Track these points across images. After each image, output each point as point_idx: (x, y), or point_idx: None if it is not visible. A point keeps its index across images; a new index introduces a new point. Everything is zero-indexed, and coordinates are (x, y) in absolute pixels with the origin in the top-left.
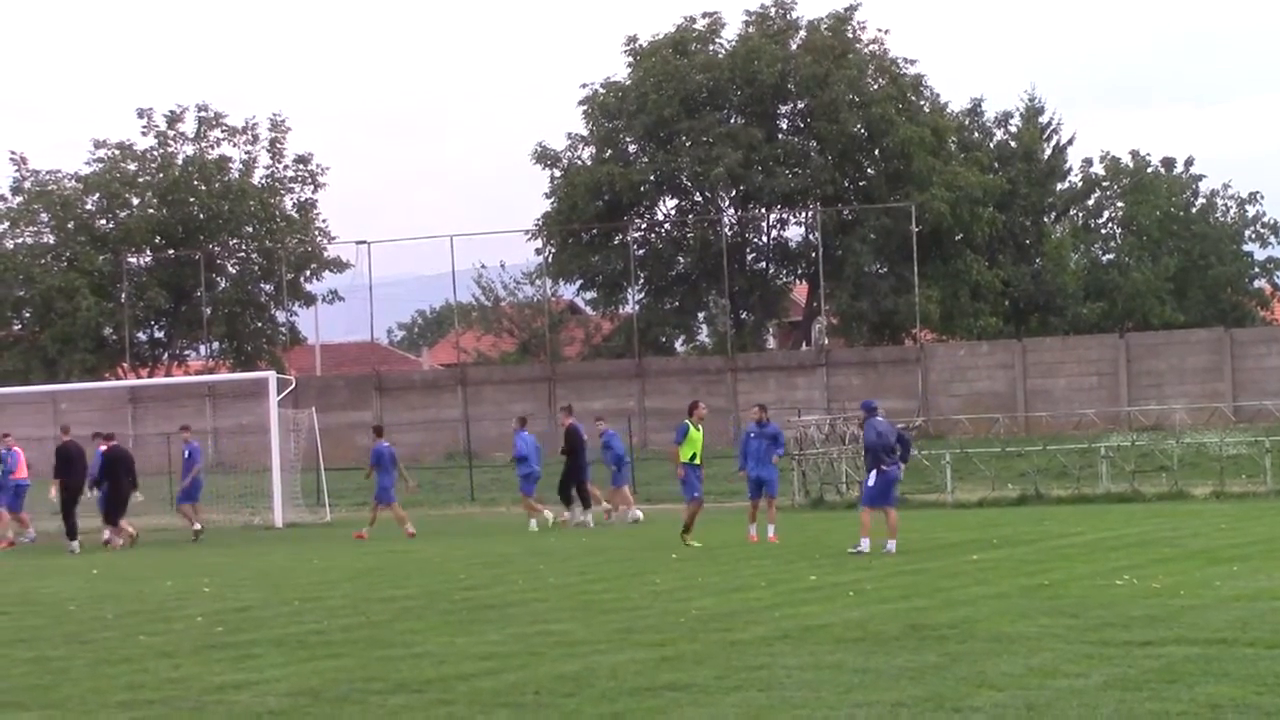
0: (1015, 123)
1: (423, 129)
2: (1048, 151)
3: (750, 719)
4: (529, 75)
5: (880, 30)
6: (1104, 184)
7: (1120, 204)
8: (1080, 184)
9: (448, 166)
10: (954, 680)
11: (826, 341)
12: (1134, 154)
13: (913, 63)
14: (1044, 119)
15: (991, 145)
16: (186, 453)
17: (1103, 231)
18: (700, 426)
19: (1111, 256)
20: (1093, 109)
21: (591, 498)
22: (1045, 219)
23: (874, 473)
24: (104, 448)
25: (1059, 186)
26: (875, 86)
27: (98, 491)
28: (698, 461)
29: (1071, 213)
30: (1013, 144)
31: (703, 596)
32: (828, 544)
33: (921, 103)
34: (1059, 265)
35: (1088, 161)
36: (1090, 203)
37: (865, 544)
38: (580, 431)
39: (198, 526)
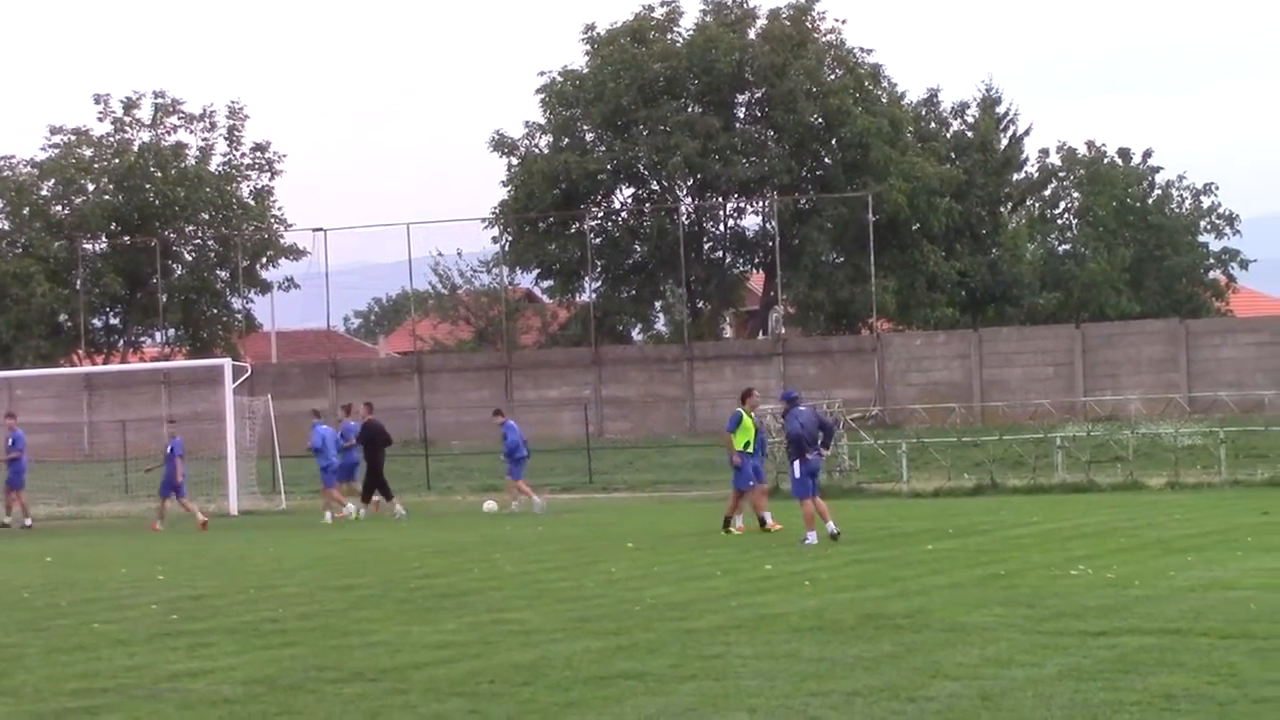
0: (972, 113)
1: (381, 117)
2: (1004, 142)
3: (705, 708)
4: (487, 63)
5: (838, 20)
6: (1060, 174)
7: (1076, 195)
8: (1037, 174)
9: (405, 154)
10: (909, 670)
11: (783, 331)
12: (1090, 145)
13: (870, 53)
14: (1001, 109)
15: (948, 135)
16: (169, 448)
17: (1059, 222)
18: (753, 414)
19: (1068, 247)
20: (1050, 99)
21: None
22: (1002, 209)
23: (797, 463)
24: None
25: (1015, 177)
26: (833, 76)
27: None
28: (750, 450)
29: (1028, 203)
30: (969, 134)
31: (658, 585)
32: (784, 533)
33: (879, 93)
34: (1015, 256)
35: (1044, 152)
36: (1047, 193)
37: (813, 536)
38: (381, 427)
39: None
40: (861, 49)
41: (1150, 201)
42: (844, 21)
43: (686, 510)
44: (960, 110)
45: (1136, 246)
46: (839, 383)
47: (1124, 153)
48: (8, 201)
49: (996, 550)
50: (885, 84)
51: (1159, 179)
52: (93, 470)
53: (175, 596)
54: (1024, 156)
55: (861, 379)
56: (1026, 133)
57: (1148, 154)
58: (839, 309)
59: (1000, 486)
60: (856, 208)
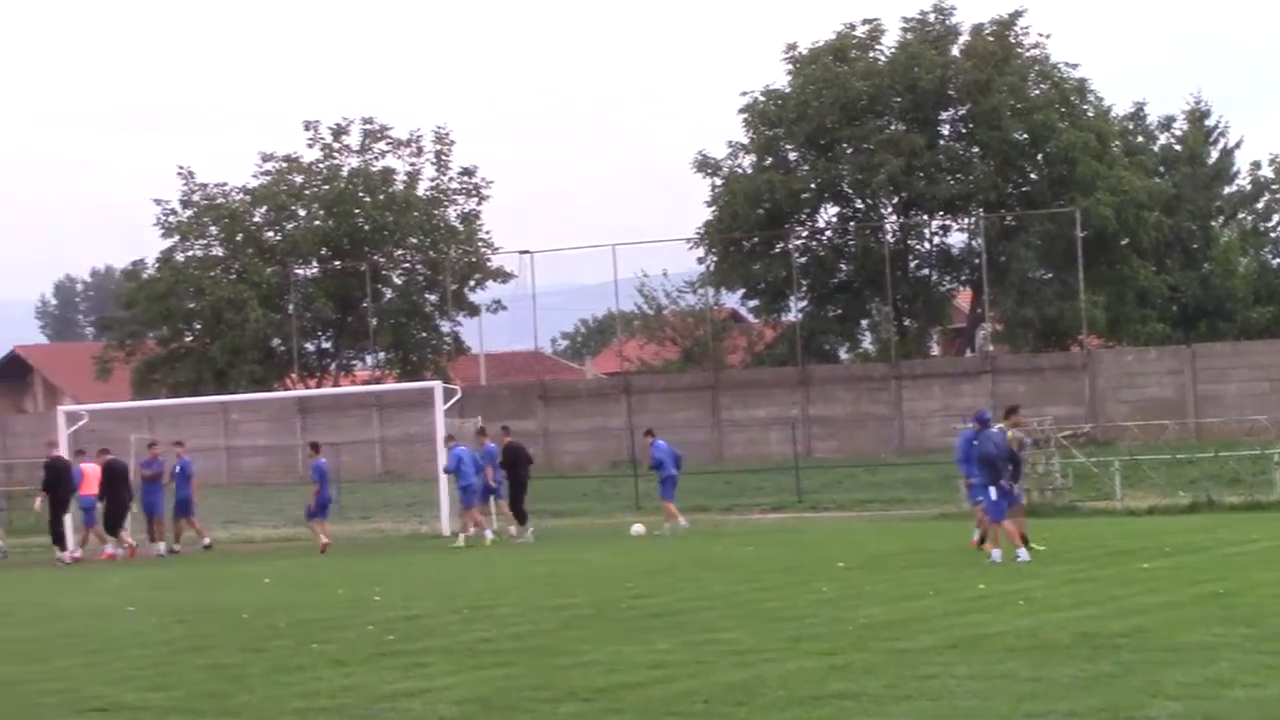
0: (1180, 126)
1: (584, 139)
2: (1214, 155)
3: None
4: (689, 84)
5: (1042, 35)
6: (1274, 187)
7: None
8: (1249, 187)
9: (609, 176)
10: (1128, 690)
11: (991, 348)
12: None
13: (1075, 67)
14: (1210, 122)
15: (1155, 149)
16: (177, 468)
17: (1272, 235)
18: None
19: None
20: (1263, 111)
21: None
22: (1213, 223)
23: (994, 488)
24: (96, 462)
25: (1226, 190)
26: (1037, 91)
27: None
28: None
29: (1240, 216)
30: (1177, 147)
31: (870, 605)
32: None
33: (1084, 107)
34: (1228, 269)
35: (1256, 164)
36: (1260, 206)
37: (1024, 553)
38: (522, 449)
39: (206, 541)
40: (1066, 64)
41: None
42: (1048, 36)
43: (897, 530)
44: (1167, 124)
45: None
46: (1049, 400)
47: None
48: (221, 228)
49: (1215, 569)
50: (1091, 98)
51: None
52: (306, 493)
53: (391, 617)
54: (1235, 169)
55: (1072, 396)
56: (1237, 145)
57: None
58: (1047, 326)
59: (1216, 504)
60: (1064, 223)
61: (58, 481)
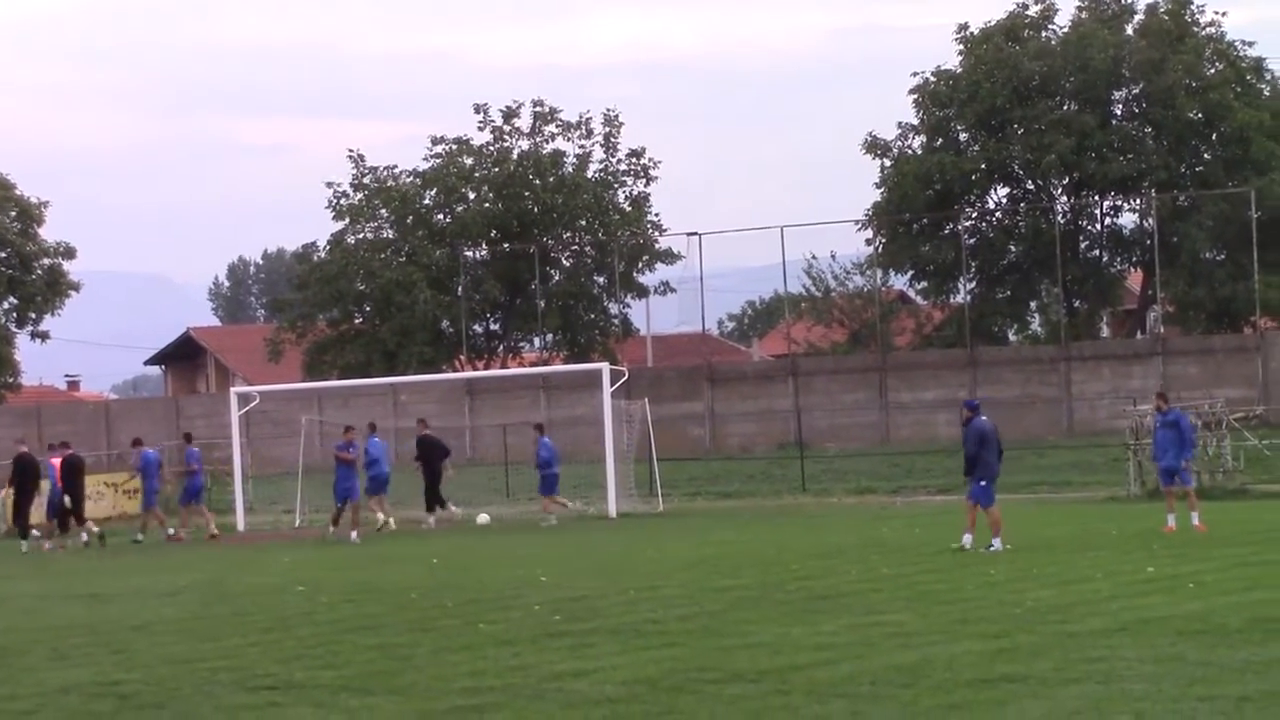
0: None
1: (753, 120)
2: None
3: (1090, 712)
4: (860, 64)
5: (1218, 13)
6: None
7: None
8: None
9: (779, 158)
10: None
11: (1162, 330)
12: None
13: (1251, 45)
14: None
15: None
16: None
17: None
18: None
19: None
20: None
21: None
22: None
23: (985, 480)
24: (58, 456)
25: None
26: (1212, 70)
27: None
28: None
29: None
30: None
31: (1038, 588)
32: (1170, 535)
33: (1261, 86)
34: None
35: None
36: None
37: (998, 542)
38: (438, 441)
39: (212, 530)
40: (1243, 41)
41: None
42: (1224, 14)
43: (1065, 512)
44: None
45: None
46: (1220, 382)
47: None
48: (392, 211)
49: None
50: (1267, 77)
51: None
52: (475, 473)
53: (558, 597)
54: None
55: (1244, 378)
56: None
57: None
58: (1220, 307)
59: None
60: (1238, 204)
61: (25, 475)
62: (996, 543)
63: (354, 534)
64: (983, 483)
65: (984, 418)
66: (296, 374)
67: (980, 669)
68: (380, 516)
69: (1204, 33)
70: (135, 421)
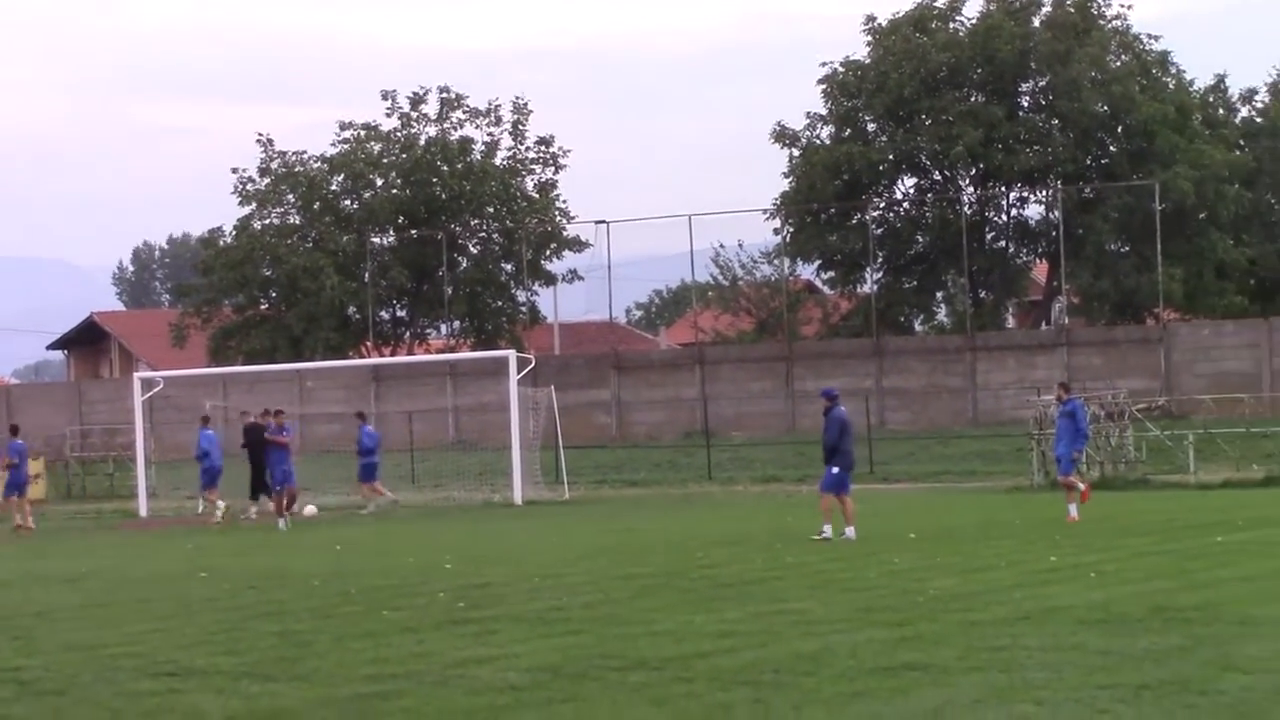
0: (1261, 98)
1: (661, 109)
2: None
3: (991, 700)
4: (767, 54)
5: (1123, 6)
6: None
7: None
8: None
9: (687, 147)
10: (1199, 663)
11: (1067, 321)
12: None
13: (1156, 39)
14: None
15: (1237, 122)
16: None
17: None
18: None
19: None
20: None
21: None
22: None
23: (836, 469)
24: None
25: None
26: (1118, 63)
27: None
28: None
29: None
30: (1259, 120)
31: (941, 576)
32: (1073, 525)
33: (1166, 79)
34: None
35: None
36: None
37: (828, 529)
38: (258, 430)
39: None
40: (1148, 35)
41: None
42: (1129, 7)
43: (969, 501)
44: (1249, 96)
45: None
46: (1124, 373)
47: None
48: (299, 196)
49: None
50: (1172, 70)
51: None
52: (381, 460)
53: (462, 585)
54: None
55: (1147, 369)
56: None
57: None
58: (1124, 299)
59: None
60: (1142, 196)
61: None
62: (850, 531)
63: (281, 521)
64: (835, 470)
65: (842, 407)
66: (201, 359)
67: (883, 657)
68: (219, 507)
69: (1110, 26)
70: (37, 406)
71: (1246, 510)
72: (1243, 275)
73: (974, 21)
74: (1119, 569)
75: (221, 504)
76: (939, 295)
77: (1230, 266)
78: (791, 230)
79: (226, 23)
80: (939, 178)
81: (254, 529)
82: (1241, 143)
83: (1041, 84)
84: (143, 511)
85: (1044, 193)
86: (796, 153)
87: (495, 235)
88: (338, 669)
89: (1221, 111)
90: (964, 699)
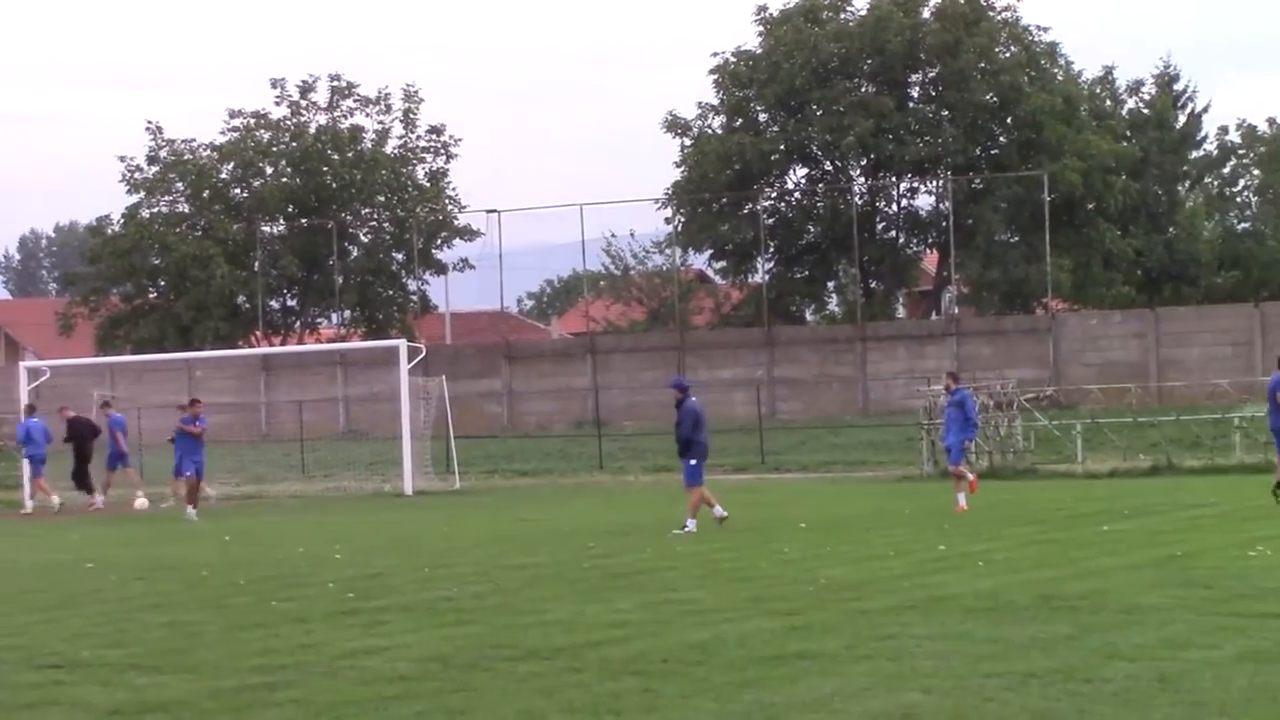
0: (1148, 90)
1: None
2: (1182, 119)
3: (880, 688)
4: (659, 43)
5: None
6: (1239, 152)
7: (1257, 172)
8: (1216, 152)
9: (578, 136)
10: (1085, 651)
11: (957, 310)
12: (1272, 122)
13: (1045, 30)
14: (1179, 87)
15: (1124, 113)
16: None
17: (1238, 200)
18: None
19: (1247, 225)
20: (1230, 76)
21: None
22: (1179, 188)
23: (694, 461)
24: None
25: (1193, 155)
26: (1007, 54)
27: None
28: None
29: (1206, 181)
30: (1145, 111)
31: (831, 566)
32: (961, 514)
33: (1054, 70)
34: (1193, 234)
35: (1224, 129)
36: (1225, 171)
37: (693, 524)
38: (87, 422)
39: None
40: (1037, 26)
41: None
42: None
43: (859, 491)
44: (1136, 88)
45: None
46: (1013, 363)
47: None
48: (188, 184)
49: (1174, 531)
50: (1060, 62)
51: None
52: (270, 450)
53: (352, 575)
54: (1202, 134)
55: (1036, 359)
56: (1205, 110)
57: None
58: (1013, 289)
59: (1177, 467)
60: (1031, 187)
61: None
62: (691, 523)
63: (191, 510)
64: (693, 462)
65: (694, 398)
66: (89, 349)
67: (773, 646)
68: (55, 500)
69: (999, 17)
70: None
71: (1132, 499)
72: (1130, 266)
73: (864, 12)
74: (1007, 558)
75: (56, 498)
76: (830, 285)
77: (1117, 257)
78: (683, 220)
79: (113, 8)
80: (830, 168)
81: (121, 519)
82: (1129, 134)
83: (931, 75)
84: (28, 503)
85: (934, 183)
86: (688, 142)
87: (386, 224)
88: (226, 660)
89: (1109, 103)
90: (853, 687)
